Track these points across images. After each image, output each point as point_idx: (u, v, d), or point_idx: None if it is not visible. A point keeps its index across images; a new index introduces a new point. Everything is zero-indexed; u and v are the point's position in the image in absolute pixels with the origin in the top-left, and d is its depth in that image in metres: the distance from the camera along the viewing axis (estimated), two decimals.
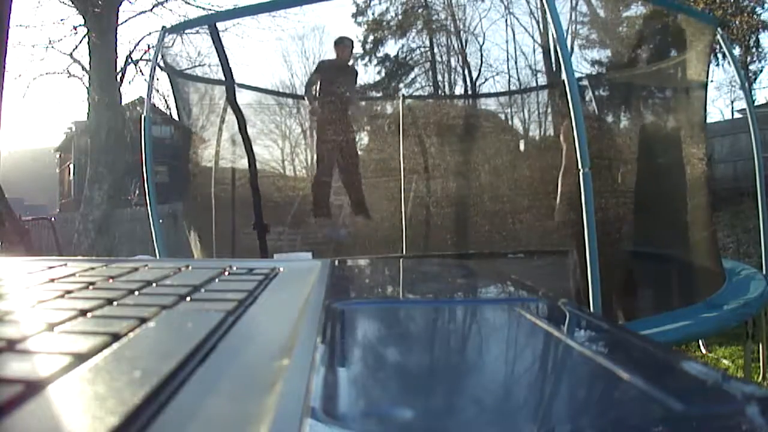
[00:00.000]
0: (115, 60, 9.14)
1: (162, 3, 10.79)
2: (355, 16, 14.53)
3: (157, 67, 3.77)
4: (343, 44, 4.66)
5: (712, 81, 11.83)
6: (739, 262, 4.16)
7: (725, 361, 3.58)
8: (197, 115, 4.35)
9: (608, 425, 0.23)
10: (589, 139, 2.56)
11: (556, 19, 2.63)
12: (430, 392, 0.26)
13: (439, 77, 13.92)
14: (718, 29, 3.64)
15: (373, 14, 14.62)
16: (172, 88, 4.18)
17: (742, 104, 13.04)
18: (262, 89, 5.35)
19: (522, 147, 6.40)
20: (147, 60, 10.35)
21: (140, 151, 3.47)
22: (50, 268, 0.52)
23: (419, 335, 0.41)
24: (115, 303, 0.36)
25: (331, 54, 4.73)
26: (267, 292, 0.43)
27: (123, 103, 10.47)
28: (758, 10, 12.48)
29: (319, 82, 4.54)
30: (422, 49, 14.09)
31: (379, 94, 13.68)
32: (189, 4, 10.67)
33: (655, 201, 3.66)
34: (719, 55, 9.88)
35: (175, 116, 4.96)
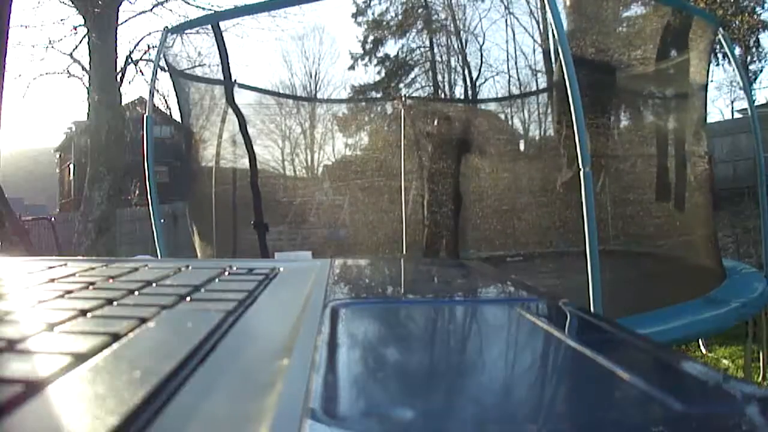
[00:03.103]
0: (115, 60, 9.11)
1: (162, 3, 10.76)
2: (355, 16, 14.55)
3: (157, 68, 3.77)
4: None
5: (712, 81, 11.83)
6: (739, 262, 4.16)
7: (725, 361, 3.58)
8: (199, 115, 4.35)
9: (608, 425, 0.23)
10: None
11: (558, 19, 2.62)
12: (430, 392, 0.26)
13: (439, 77, 13.90)
14: (720, 29, 3.64)
15: (373, 14, 14.63)
16: (174, 88, 4.18)
17: (742, 104, 13.06)
18: (262, 89, 5.35)
19: (522, 147, 6.40)
20: (147, 60, 10.32)
21: (141, 151, 3.47)
22: (50, 268, 0.52)
23: (419, 335, 0.41)
24: (115, 303, 0.36)
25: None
26: (267, 292, 0.43)
27: (123, 103, 10.45)
28: (758, 10, 12.50)
29: None
30: (422, 49, 14.08)
31: (379, 94, 13.70)
32: (189, 4, 10.64)
33: (655, 200, 3.66)
34: (719, 55, 9.88)
35: (176, 116, 4.97)
